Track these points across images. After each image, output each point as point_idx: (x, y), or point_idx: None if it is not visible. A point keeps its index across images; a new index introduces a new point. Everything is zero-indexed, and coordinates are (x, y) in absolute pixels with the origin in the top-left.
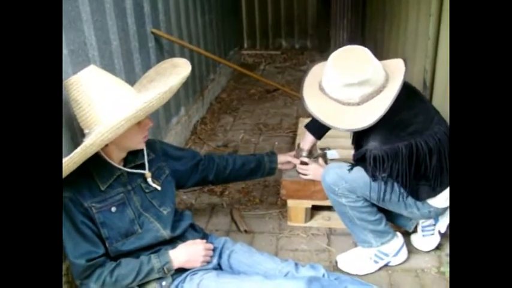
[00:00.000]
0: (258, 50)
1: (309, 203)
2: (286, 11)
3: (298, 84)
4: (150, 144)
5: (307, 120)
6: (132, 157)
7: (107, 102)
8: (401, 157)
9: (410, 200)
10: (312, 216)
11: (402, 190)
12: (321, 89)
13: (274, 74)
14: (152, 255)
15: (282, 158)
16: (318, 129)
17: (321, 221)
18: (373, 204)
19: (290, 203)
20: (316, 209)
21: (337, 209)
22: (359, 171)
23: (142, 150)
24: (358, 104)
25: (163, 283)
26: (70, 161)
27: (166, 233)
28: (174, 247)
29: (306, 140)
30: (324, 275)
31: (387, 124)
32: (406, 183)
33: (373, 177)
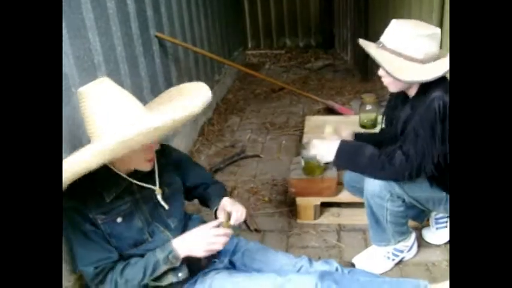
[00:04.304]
0: (262, 50)
1: (317, 200)
2: (289, 10)
3: (304, 82)
4: (162, 150)
5: (314, 118)
6: None
7: (111, 118)
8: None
9: None
10: (321, 213)
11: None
12: (382, 46)
13: (279, 73)
14: (157, 249)
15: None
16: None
17: (330, 217)
18: (406, 207)
19: (299, 200)
20: (325, 205)
21: (371, 211)
22: None
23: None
24: (421, 61)
25: (180, 274)
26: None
27: None
28: None
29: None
30: (337, 269)
31: (444, 86)
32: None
33: (432, 133)
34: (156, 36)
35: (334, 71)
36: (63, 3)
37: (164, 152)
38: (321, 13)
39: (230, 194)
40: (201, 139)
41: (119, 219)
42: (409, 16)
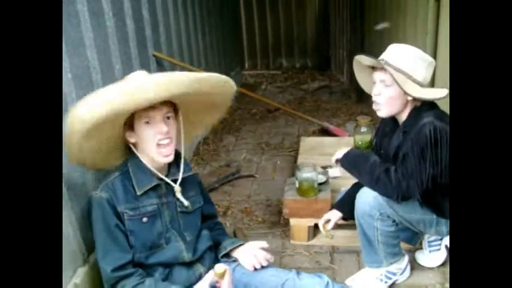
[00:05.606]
0: (259, 70)
1: (311, 221)
2: (286, 31)
3: (299, 103)
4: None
5: (309, 139)
6: (174, 169)
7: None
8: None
9: (441, 218)
10: (314, 235)
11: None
12: (385, 62)
13: (275, 94)
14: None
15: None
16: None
17: (323, 239)
18: (398, 229)
19: (293, 221)
20: (318, 227)
21: (363, 231)
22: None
23: (186, 165)
24: (420, 84)
25: None
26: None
27: (187, 256)
28: (192, 269)
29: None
30: (328, 283)
31: (434, 112)
32: (444, 174)
33: (422, 158)
34: (154, 56)
35: (330, 92)
36: (64, 21)
37: (191, 171)
38: (318, 34)
39: (224, 214)
40: (196, 158)
41: (145, 219)
42: (404, 38)
